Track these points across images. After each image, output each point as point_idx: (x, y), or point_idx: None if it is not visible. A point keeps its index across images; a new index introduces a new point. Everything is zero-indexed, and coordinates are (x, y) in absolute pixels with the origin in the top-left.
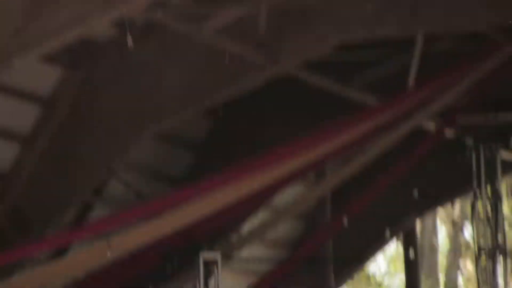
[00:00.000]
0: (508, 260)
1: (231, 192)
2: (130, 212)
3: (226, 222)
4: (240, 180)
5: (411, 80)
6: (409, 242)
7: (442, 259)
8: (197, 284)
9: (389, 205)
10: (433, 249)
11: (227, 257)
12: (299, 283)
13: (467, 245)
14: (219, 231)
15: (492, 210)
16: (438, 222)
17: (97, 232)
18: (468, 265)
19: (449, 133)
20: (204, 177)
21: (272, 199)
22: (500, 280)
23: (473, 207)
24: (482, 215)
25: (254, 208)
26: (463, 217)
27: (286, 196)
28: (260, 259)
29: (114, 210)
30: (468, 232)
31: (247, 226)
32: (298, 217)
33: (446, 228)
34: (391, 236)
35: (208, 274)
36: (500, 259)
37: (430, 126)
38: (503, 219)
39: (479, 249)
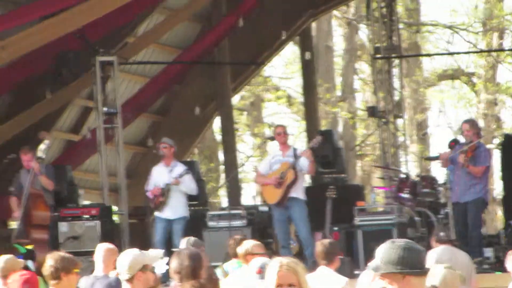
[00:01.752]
0: (404, 61)
1: None
2: (23, 11)
3: (121, 24)
4: None
5: None
6: (305, 44)
7: (338, 61)
8: (94, 87)
9: (284, 7)
10: (329, 51)
11: (123, 60)
12: (196, 85)
13: (363, 46)
14: (114, 33)
15: (387, 10)
16: (334, 23)
17: None
18: (364, 67)
19: None
20: None
21: (166, 0)
22: (396, 82)
23: (368, 7)
24: (377, 15)
25: (149, 8)
26: (358, 18)
27: None
28: (156, 62)
29: (7, 10)
30: (363, 33)
31: (143, 29)
32: (193, 19)
33: (342, 29)
34: (288, 38)
35: (105, 77)
36: (395, 60)
37: None
38: (398, 19)
39: (375, 50)
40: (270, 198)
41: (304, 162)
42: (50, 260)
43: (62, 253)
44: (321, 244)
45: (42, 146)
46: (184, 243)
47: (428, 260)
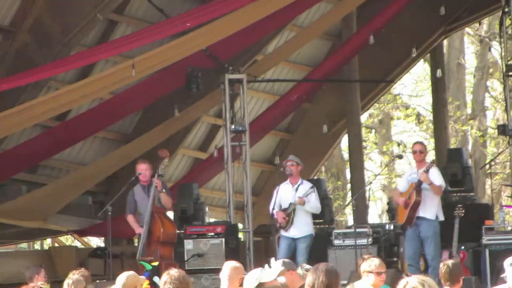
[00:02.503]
0: None
1: (256, 9)
2: (154, 30)
3: (251, 42)
4: None
5: None
6: (436, 61)
7: (469, 79)
8: (223, 105)
9: (415, 24)
10: (460, 68)
11: (252, 77)
12: (325, 103)
13: (495, 64)
14: (244, 51)
15: None
16: (466, 40)
17: (121, 51)
18: (495, 85)
19: None
20: None
21: (297, 18)
22: None
23: (501, 24)
24: (510, 32)
25: (279, 27)
26: (491, 35)
27: (312, 14)
28: (285, 79)
29: (138, 28)
30: (496, 51)
31: (272, 47)
32: (324, 37)
33: (474, 46)
34: (418, 56)
35: (233, 95)
36: None
37: None
38: None
39: (507, 67)
40: (400, 218)
41: (425, 185)
42: (165, 277)
43: (177, 272)
44: (444, 265)
45: (162, 164)
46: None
47: None
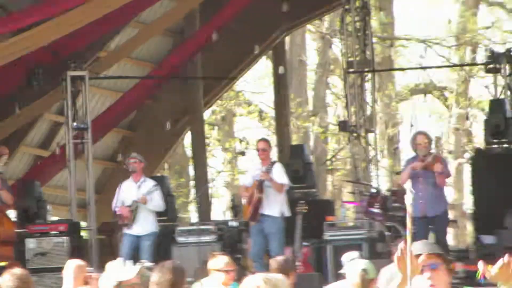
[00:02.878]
0: (376, 76)
1: (98, 5)
2: None
3: (93, 38)
4: None
5: None
6: (278, 58)
7: (311, 76)
8: (65, 102)
9: (258, 21)
10: (302, 65)
11: (94, 74)
12: (168, 100)
13: (336, 60)
14: (86, 48)
15: (361, 24)
16: (307, 37)
17: None
18: (336, 82)
19: None
20: None
21: (140, 14)
22: (368, 97)
23: (342, 21)
24: (351, 29)
25: (121, 23)
26: (332, 32)
27: (154, 11)
28: (127, 76)
29: None
30: (337, 47)
31: (115, 43)
32: (166, 33)
33: (315, 43)
34: (261, 53)
35: (75, 92)
36: (368, 74)
37: None
38: (371, 33)
39: (348, 64)
40: (244, 214)
41: (267, 183)
42: (6, 276)
43: (20, 271)
44: (274, 262)
45: (1, 161)
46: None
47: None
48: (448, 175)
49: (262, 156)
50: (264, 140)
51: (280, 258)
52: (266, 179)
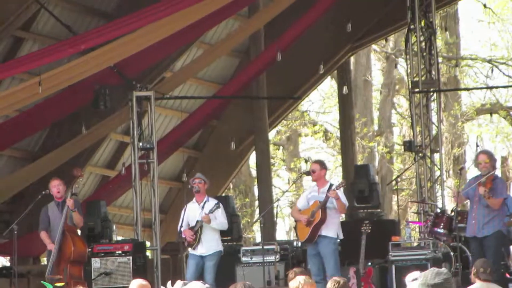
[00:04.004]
0: (442, 95)
1: (163, 26)
2: (61, 47)
3: (159, 59)
4: (172, 13)
5: None
6: (343, 78)
7: (376, 96)
8: (131, 122)
9: (323, 41)
10: (367, 85)
11: (160, 94)
12: (232, 120)
13: (401, 80)
14: (152, 68)
15: (426, 43)
16: (372, 57)
17: (28, 68)
18: (402, 102)
19: None
20: (135, 11)
21: (205, 35)
22: (434, 116)
23: (407, 41)
24: (416, 49)
25: (186, 44)
26: (397, 52)
27: (219, 31)
28: (193, 96)
29: (44, 45)
30: (402, 67)
31: (180, 64)
32: (232, 54)
33: (380, 63)
34: (325, 72)
35: (141, 112)
36: (434, 94)
37: None
38: (437, 53)
39: (413, 84)
40: (301, 235)
41: (333, 202)
42: None
43: None
44: (332, 282)
45: (76, 183)
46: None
47: None
48: (504, 198)
49: (314, 178)
50: (315, 162)
51: (337, 278)
52: (335, 197)
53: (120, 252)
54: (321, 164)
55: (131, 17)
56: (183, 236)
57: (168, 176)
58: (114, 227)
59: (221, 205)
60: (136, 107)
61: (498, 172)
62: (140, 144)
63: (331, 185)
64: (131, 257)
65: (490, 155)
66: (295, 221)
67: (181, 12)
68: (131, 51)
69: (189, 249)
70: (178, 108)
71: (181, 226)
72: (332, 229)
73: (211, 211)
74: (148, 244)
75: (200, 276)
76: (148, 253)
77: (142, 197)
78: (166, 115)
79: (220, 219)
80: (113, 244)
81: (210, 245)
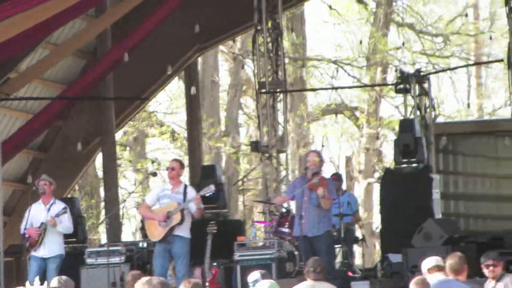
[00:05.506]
0: (288, 96)
1: (6, 26)
2: None
3: (4, 59)
4: (18, 13)
5: None
6: (191, 78)
7: (223, 96)
8: None
9: (170, 41)
10: (215, 85)
11: (4, 95)
12: (79, 121)
13: (248, 81)
14: None
15: (273, 44)
16: (220, 58)
17: None
18: (249, 102)
19: None
20: None
21: (51, 35)
22: (280, 117)
23: (254, 42)
24: (263, 50)
25: (32, 45)
26: (244, 53)
27: (66, 32)
28: (38, 98)
29: None
30: (249, 68)
31: (26, 64)
32: (78, 54)
33: (228, 64)
34: (173, 73)
35: None
36: (280, 95)
37: None
38: (283, 54)
39: (260, 85)
40: (153, 235)
41: (193, 207)
42: None
43: None
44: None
45: None
46: (55, 282)
47: None
48: (333, 199)
49: (170, 175)
50: (176, 160)
51: (192, 280)
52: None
53: None
54: (181, 163)
55: None
56: (27, 236)
57: (12, 178)
58: None
59: (68, 209)
60: None
61: (342, 172)
62: None
63: (186, 185)
64: None
65: (319, 155)
66: (144, 219)
67: (27, 12)
68: None
69: (32, 251)
70: (23, 109)
71: (25, 228)
72: (186, 230)
73: (58, 215)
74: None
75: (43, 277)
76: None
77: None
78: (11, 116)
79: (66, 223)
80: None
81: (52, 247)
